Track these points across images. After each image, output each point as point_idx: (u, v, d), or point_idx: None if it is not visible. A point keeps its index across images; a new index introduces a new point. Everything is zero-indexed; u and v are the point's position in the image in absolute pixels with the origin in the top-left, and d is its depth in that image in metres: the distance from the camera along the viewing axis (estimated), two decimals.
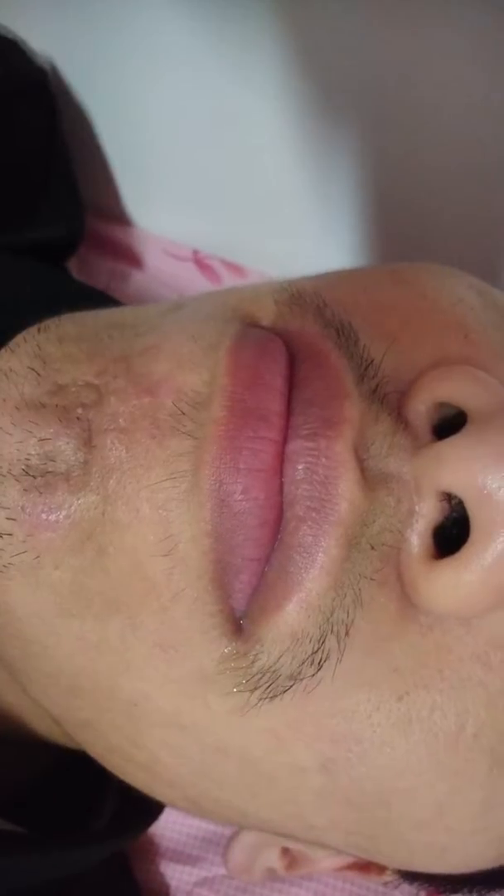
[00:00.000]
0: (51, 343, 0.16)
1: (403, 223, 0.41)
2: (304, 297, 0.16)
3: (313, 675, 0.15)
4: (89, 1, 0.35)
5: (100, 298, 0.34)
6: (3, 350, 0.16)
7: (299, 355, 0.15)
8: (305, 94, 0.36)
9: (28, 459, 0.15)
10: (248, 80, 0.36)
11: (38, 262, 0.34)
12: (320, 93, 0.35)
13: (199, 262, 0.45)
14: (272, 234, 0.43)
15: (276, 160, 0.39)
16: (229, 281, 0.45)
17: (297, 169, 0.39)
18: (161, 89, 0.38)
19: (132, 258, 0.44)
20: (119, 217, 0.45)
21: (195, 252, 0.45)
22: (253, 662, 0.15)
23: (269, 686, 0.15)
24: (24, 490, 0.15)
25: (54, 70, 0.39)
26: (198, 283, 0.44)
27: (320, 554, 0.14)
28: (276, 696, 0.15)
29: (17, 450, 0.15)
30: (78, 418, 0.15)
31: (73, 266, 0.41)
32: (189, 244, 0.45)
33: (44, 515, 0.15)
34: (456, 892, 0.21)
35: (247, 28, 0.34)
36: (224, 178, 0.41)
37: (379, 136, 0.37)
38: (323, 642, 0.14)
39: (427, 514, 0.15)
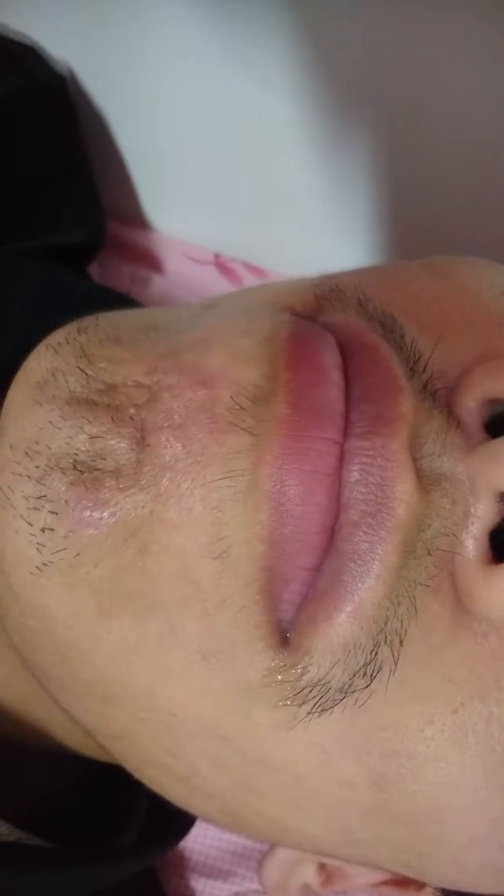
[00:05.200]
0: (93, 345, 0.15)
1: (426, 222, 0.40)
2: (345, 290, 0.16)
3: (365, 687, 0.14)
4: (107, 7, 0.35)
5: (124, 302, 0.33)
6: (42, 348, 0.16)
7: (347, 348, 0.15)
8: (322, 95, 0.35)
9: (76, 454, 0.14)
10: (264, 83, 0.36)
11: (60, 267, 0.34)
12: (337, 93, 0.35)
13: (221, 265, 0.45)
14: (293, 236, 0.43)
15: (294, 161, 0.39)
16: (251, 284, 0.45)
17: (316, 170, 0.39)
18: (179, 93, 0.38)
19: (153, 262, 0.44)
20: (139, 221, 0.45)
21: (217, 255, 0.45)
22: (301, 675, 0.14)
23: (318, 700, 0.14)
24: (71, 483, 0.14)
25: (73, 76, 0.39)
26: (219, 287, 0.44)
27: (376, 562, 0.13)
28: (325, 710, 0.14)
29: (67, 444, 0.14)
30: (131, 418, 0.14)
31: (93, 271, 0.40)
32: (210, 248, 0.45)
33: (87, 512, 0.14)
34: None
35: (263, 31, 0.33)
36: (244, 180, 0.41)
37: (397, 134, 0.36)
38: (376, 653, 0.14)
39: (483, 515, 0.14)
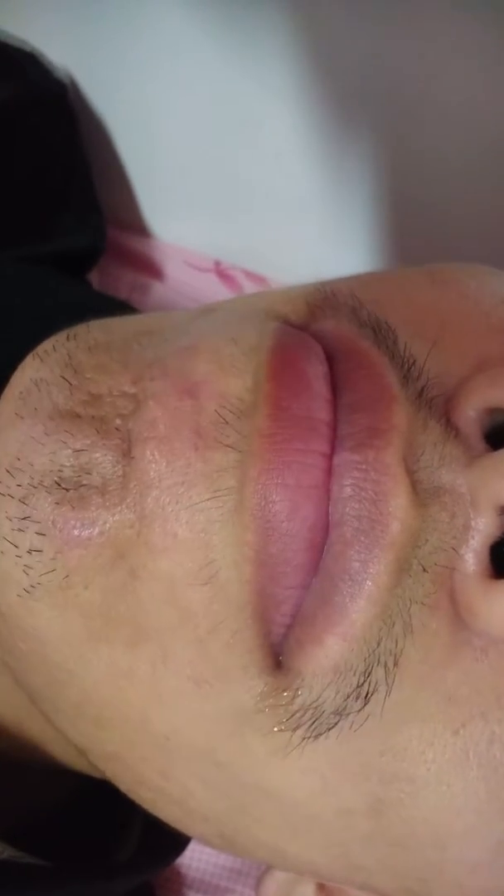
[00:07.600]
0: (81, 351, 0.15)
1: (427, 229, 0.40)
2: (338, 297, 0.16)
3: (360, 709, 0.13)
4: (107, 14, 0.35)
5: (122, 309, 0.33)
6: (29, 358, 0.15)
7: (336, 356, 0.14)
8: (323, 101, 0.35)
9: (61, 471, 0.14)
10: (265, 89, 0.36)
11: (59, 274, 0.34)
12: (338, 99, 0.35)
13: (221, 272, 0.44)
14: (294, 244, 0.43)
15: (295, 168, 0.39)
16: (251, 291, 0.44)
17: (317, 176, 0.39)
18: (180, 100, 0.38)
19: (153, 270, 0.44)
20: (139, 228, 0.45)
21: (217, 263, 0.45)
22: (293, 699, 0.13)
23: (312, 724, 0.13)
24: (56, 503, 0.14)
25: (73, 82, 0.39)
26: (219, 294, 0.44)
27: (368, 582, 0.13)
28: (320, 734, 0.13)
29: (50, 461, 0.14)
30: (117, 429, 0.14)
31: (93, 278, 0.40)
32: (210, 255, 0.45)
33: (76, 532, 0.14)
34: None
35: (263, 38, 0.33)
36: (244, 187, 0.41)
37: (399, 141, 0.36)
38: (369, 674, 0.13)
39: (484, 529, 0.13)
